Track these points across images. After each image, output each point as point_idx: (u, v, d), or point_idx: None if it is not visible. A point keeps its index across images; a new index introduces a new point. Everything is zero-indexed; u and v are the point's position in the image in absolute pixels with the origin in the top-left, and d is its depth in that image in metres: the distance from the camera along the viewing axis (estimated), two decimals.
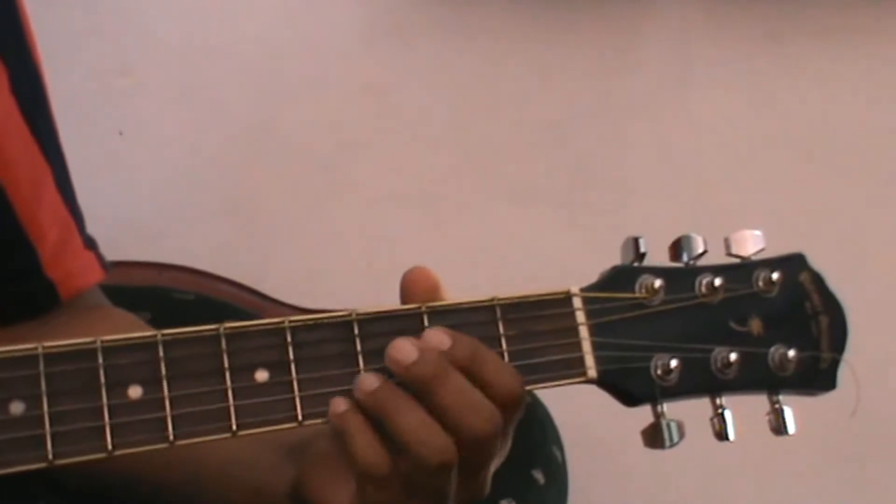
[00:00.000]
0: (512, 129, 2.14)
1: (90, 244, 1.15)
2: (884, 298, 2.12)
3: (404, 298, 0.94)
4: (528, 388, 0.93)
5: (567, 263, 2.04)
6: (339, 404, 0.88)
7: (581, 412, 2.02)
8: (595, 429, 2.07)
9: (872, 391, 1.98)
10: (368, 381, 0.87)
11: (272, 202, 2.10)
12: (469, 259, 2.07)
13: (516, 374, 0.91)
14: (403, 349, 0.88)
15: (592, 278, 1.00)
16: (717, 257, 1.00)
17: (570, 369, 0.94)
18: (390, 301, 0.96)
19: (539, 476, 1.84)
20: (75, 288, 1.13)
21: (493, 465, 0.92)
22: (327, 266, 2.05)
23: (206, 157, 2.09)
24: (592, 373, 0.94)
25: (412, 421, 0.87)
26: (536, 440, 1.90)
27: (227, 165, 2.10)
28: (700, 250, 0.98)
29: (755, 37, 2.17)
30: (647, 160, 2.15)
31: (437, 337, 0.89)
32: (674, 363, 0.94)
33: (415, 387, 0.88)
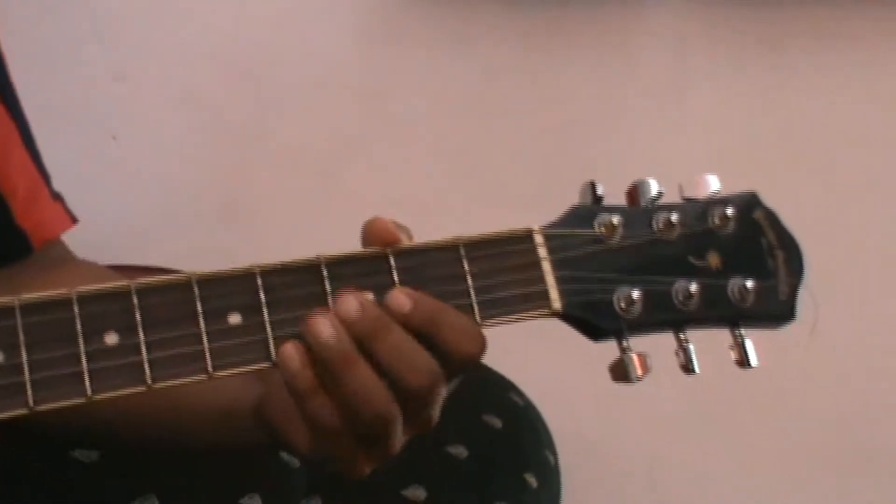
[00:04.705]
0: (508, 134, 2.15)
1: (57, 197, 1.19)
2: (879, 300, 2.13)
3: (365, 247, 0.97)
4: (495, 322, 0.95)
5: None
6: (291, 360, 0.89)
7: (574, 417, 2.03)
8: (588, 433, 2.07)
9: (870, 398, 1.99)
10: (322, 330, 0.90)
11: (267, 206, 2.11)
12: None
13: (477, 336, 0.93)
14: (345, 304, 0.91)
15: None
16: None
17: (535, 302, 0.96)
18: None
19: (532, 480, 1.85)
20: (46, 237, 1.17)
21: (439, 405, 0.94)
22: None
23: (200, 161, 2.10)
24: (557, 305, 0.96)
25: (357, 380, 0.89)
26: (529, 444, 1.91)
27: (222, 170, 2.11)
28: (655, 193, 1.01)
29: (751, 43, 2.18)
30: (644, 166, 2.15)
31: (399, 301, 0.92)
32: (636, 294, 0.96)
33: (357, 343, 0.90)
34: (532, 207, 2.11)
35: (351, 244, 2.12)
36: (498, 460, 1.81)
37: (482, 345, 0.94)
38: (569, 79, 2.16)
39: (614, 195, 2.13)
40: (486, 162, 2.15)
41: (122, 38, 2.10)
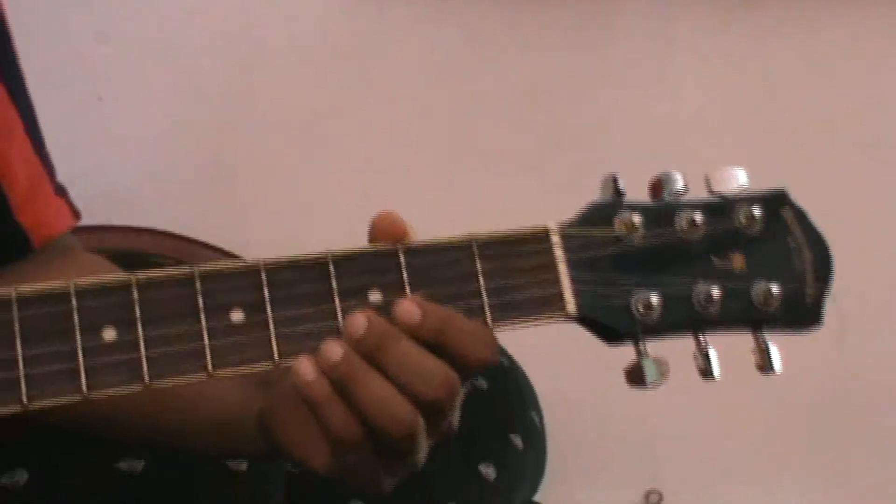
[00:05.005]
0: (490, 94, 2.14)
1: (60, 191, 1.14)
2: (862, 268, 2.11)
3: (372, 242, 0.92)
4: (508, 325, 0.92)
5: None
6: (306, 371, 0.86)
7: (560, 378, 2.02)
8: (573, 395, 2.06)
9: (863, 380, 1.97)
10: (330, 351, 0.86)
11: (252, 166, 2.11)
12: (446, 225, 2.06)
13: (490, 339, 0.90)
14: (353, 322, 0.87)
15: None
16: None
17: (549, 305, 0.92)
18: None
19: (517, 441, 1.84)
20: (47, 235, 1.11)
21: (458, 411, 0.91)
22: (307, 230, 2.05)
23: (185, 122, 2.10)
24: (571, 308, 0.92)
25: (372, 393, 0.86)
26: (515, 406, 1.90)
27: (207, 130, 2.10)
28: (680, 188, 0.97)
29: (733, 3, 2.16)
30: (626, 127, 2.15)
31: (408, 312, 0.88)
32: (654, 299, 0.92)
33: (367, 359, 0.87)
34: (513, 167, 2.11)
35: (334, 205, 2.12)
36: (483, 421, 1.81)
37: (495, 348, 0.90)
38: (551, 39, 2.15)
39: (600, 161, 2.12)
40: (466, 121, 2.14)
41: None
